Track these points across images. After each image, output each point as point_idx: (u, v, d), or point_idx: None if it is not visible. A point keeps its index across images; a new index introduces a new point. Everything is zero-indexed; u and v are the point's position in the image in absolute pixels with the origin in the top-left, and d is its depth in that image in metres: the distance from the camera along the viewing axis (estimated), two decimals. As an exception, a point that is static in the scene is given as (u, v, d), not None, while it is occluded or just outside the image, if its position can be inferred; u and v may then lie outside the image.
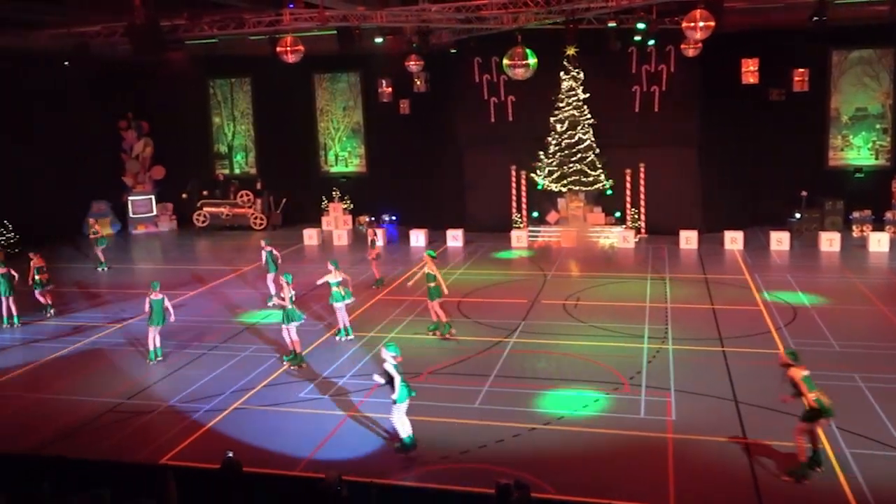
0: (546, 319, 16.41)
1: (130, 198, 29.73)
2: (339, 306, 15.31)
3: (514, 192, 25.75)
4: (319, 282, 15.62)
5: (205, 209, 29.03)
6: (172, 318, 14.70)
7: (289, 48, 18.64)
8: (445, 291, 15.53)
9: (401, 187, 27.32)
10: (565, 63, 24.45)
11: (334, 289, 15.17)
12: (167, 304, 14.46)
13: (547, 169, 25.00)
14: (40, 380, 13.82)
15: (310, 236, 26.11)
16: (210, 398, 12.64)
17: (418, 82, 26.28)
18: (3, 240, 24.45)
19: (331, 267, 15.33)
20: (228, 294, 19.57)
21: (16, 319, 17.12)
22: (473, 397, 12.31)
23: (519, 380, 12.98)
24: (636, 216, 25.01)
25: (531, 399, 12.23)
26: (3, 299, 17.17)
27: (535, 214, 25.65)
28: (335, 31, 20.54)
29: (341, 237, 26.09)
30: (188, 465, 10.12)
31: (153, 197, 30.05)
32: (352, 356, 14.47)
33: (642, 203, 25.01)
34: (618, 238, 24.26)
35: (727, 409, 11.64)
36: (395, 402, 10.51)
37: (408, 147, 27.05)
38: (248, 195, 28.85)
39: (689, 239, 23.51)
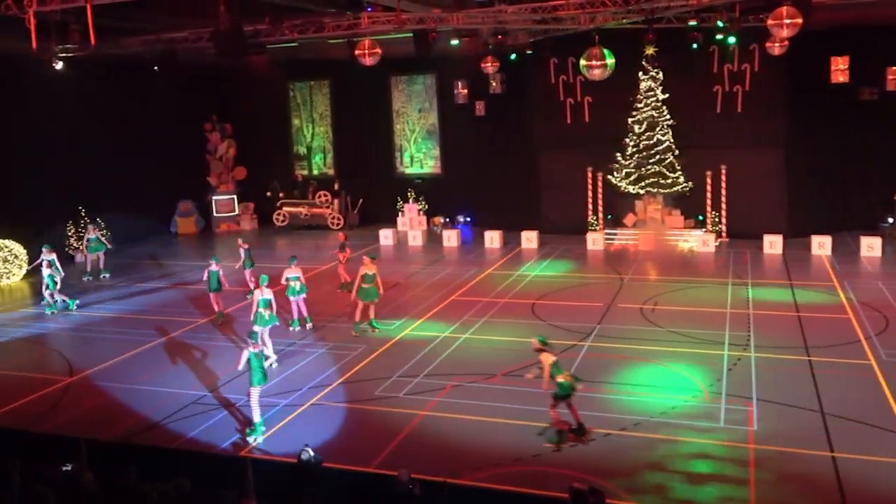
0: (622, 323, 16.13)
1: (214, 197, 30.65)
2: (295, 300, 16.34)
3: (590, 194, 25.43)
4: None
5: (284, 209, 29.67)
6: (226, 286, 16.90)
7: (367, 51, 18.87)
8: (381, 292, 16.22)
9: (475, 188, 27.32)
10: (644, 63, 24.00)
11: (292, 283, 16.20)
12: (222, 275, 16.56)
13: (624, 171, 24.62)
14: (128, 371, 14.37)
15: (385, 236, 26.39)
16: (288, 393, 12.90)
17: (494, 84, 26.23)
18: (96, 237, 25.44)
19: (290, 265, 16.47)
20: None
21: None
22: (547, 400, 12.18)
23: (594, 384, 12.78)
24: (717, 219, 24.33)
25: (607, 404, 12.02)
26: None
27: (611, 217, 25.28)
28: (412, 34, 20.70)
29: (416, 238, 26.27)
30: (266, 458, 10.35)
31: (235, 197, 30.91)
32: (426, 355, 14.53)
33: (723, 206, 24.32)
34: (697, 242, 23.66)
35: (813, 421, 11.19)
36: None
37: (483, 148, 27.03)
38: (325, 195, 29.36)
39: (773, 243, 22.74)
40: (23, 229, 22.22)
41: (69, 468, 7.35)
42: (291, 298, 16.36)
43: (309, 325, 16.53)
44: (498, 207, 26.50)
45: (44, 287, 18.69)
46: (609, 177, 24.97)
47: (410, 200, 28.77)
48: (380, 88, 29.09)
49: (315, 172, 31.22)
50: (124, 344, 15.78)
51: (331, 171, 30.96)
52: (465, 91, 27.06)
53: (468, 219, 27.86)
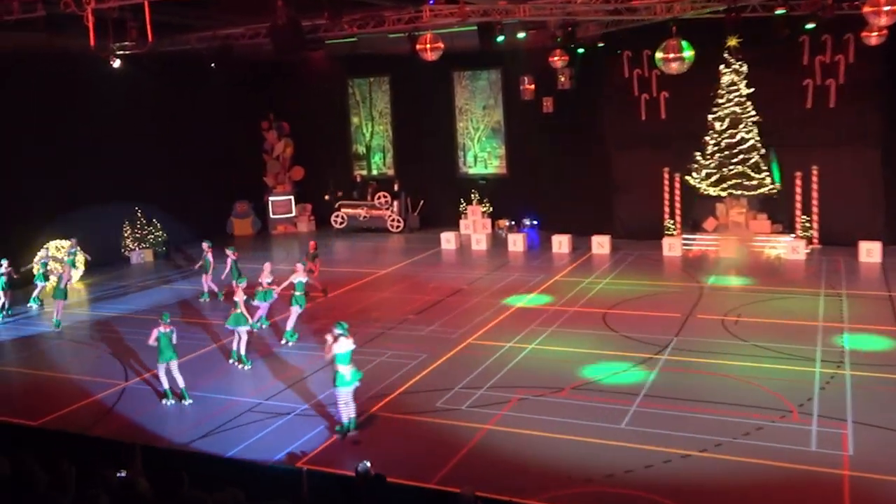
0: (702, 336, 15.79)
1: (271, 198, 31.23)
2: (262, 305, 16.79)
3: (666, 196, 25.01)
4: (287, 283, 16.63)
5: (342, 210, 30.03)
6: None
7: (428, 45, 18.96)
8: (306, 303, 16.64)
9: (543, 190, 27.16)
10: (726, 55, 23.49)
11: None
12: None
13: (704, 171, 24.15)
14: (183, 377, 14.71)
15: (447, 240, 26.45)
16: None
17: (562, 79, 26.03)
18: (152, 239, 26.34)
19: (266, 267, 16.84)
20: (364, 297, 20.14)
21: None
22: (620, 417, 12.02)
23: (671, 400, 12.54)
24: (807, 224, 23.63)
25: (685, 422, 11.77)
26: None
27: (690, 221, 24.81)
28: (475, 27, 20.71)
29: (480, 241, 26.26)
30: (322, 470, 10.45)
31: (293, 197, 31.44)
32: (490, 366, 14.49)
33: (815, 209, 23.60)
34: (786, 248, 23.02)
35: (917, 446, 10.74)
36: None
37: (551, 147, 26.85)
38: (385, 197, 29.61)
39: (870, 251, 21.95)
40: (78, 229, 23.00)
41: (124, 474, 7.55)
42: (259, 303, 16.73)
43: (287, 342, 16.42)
44: (567, 210, 26.29)
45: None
46: (688, 178, 24.52)
47: (474, 202, 28.79)
48: (442, 85, 29.21)
49: (374, 172, 31.52)
50: (179, 348, 16.13)
51: (391, 172, 31.21)
52: (532, 87, 26.94)
53: (535, 222, 27.71)
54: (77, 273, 23.03)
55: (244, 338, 15.08)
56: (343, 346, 11.80)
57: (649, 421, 11.83)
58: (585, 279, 20.95)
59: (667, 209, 25.02)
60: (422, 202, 29.77)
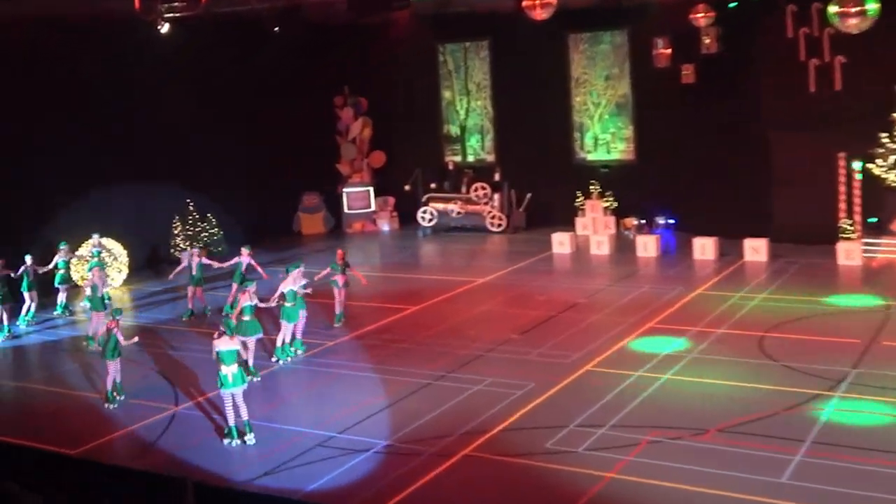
0: (889, 368, 15.31)
1: (345, 190, 31.84)
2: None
3: (842, 189, 24.34)
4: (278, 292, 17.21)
5: (431, 205, 30.36)
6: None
7: (537, 1, 19.03)
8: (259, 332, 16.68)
9: (681, 181, 26.83)
10: (923, 8, 22.73)
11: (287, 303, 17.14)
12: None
13: (892, 158, 23.45)
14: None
15: (560, 242, 26.37)
16: (436, 440, 13.15)
17: (707, 41, 25.67)
18: (205, 236, 27.08)
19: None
20: (457, 311, 20.32)
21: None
22: (780, 468, 11.77)
23: (847, 449, 12.18)
24: None
25: (865, 478, 11.42)
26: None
27: (873, 220, 24.12)
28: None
29: (601, 245, 26.15)
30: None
31: (371, 189, 31.97)
32: (613, 400, 14.41)
33: None
34: None
35: None
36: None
37: (692, 127, 26.51)
38: (484, 188, 29.76)
39: None
40: (121, 225, 23.95)
41: None
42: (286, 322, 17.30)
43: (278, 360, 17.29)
44: (712, 206, 25.91)
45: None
46: (870, 166, 23.87)
47: (594, 196, 28.65)
48: (554, 50, 29.18)
49: (470, 159, 31.74)
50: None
51: (490, 158, 31.36)
52: (668, 51, 26.65)
53: (671, 221, 27.43)
54: (117, 274, 24.02)
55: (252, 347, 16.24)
56: (224, 343, 13.51)
57: (818, 475, 11.56)
58: (736, 293, 20.61)
59: (843, 206, 24.37)
60: (529, 196, 29.79)
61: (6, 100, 22.11)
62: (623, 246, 26.39)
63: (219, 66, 27.36)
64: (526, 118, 29.93)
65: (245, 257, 20.29)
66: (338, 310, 19.55)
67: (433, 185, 30.53)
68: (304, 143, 29.91)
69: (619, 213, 28.26)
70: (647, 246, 25.36)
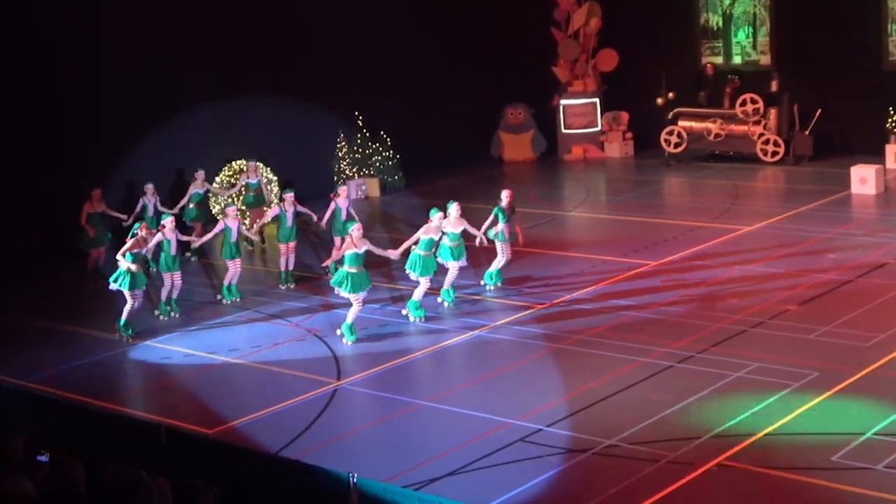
0: None
1: (563, 101, 31.95)
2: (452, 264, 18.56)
3: None
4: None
5: (680, 123, 30.12)
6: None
7: None
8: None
9: None
10: None
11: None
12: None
13: None
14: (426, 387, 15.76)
15: (863, 178, 25.64)
16: (677, 442, 13.18)
17: None
18: (378, 163, 27.99)
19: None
20: (713, 271, 20.21)
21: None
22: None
23: None
24: None
25: None
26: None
27: None
28: None
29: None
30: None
31: (598, 101, 31.95)
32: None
33: None
34: None
35: None
36: None
37: None
38: (754, 102, 29.24)
39: None
40: (267, 146, 25.01)
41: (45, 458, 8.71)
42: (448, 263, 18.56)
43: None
44: None
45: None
46: None
47: (913, 114, 27.81)
48: None
49: (736, 61, 31.34)
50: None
51: (765, 60, 30.88)
52: None
53: None
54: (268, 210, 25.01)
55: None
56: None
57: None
58: None
59: None
60: (819, 112, 29.09)
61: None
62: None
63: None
64: (817, 4, 29.35)
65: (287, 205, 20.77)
66: (493, 266, 19.61)
67: (682, 97, 30.28)
68: (507, 38, 30.20)
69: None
70: None
